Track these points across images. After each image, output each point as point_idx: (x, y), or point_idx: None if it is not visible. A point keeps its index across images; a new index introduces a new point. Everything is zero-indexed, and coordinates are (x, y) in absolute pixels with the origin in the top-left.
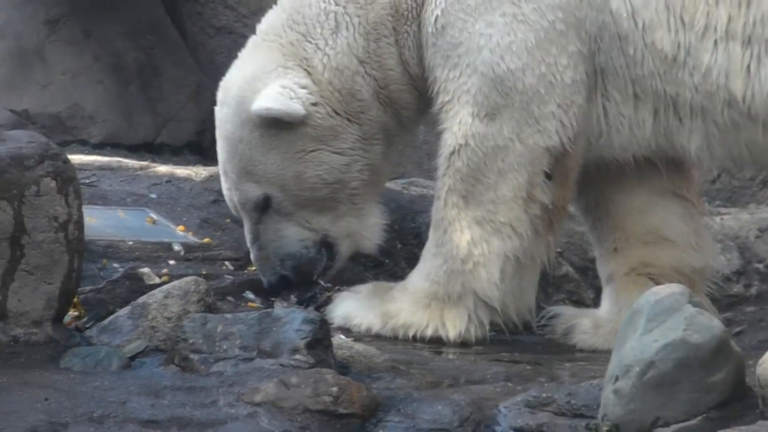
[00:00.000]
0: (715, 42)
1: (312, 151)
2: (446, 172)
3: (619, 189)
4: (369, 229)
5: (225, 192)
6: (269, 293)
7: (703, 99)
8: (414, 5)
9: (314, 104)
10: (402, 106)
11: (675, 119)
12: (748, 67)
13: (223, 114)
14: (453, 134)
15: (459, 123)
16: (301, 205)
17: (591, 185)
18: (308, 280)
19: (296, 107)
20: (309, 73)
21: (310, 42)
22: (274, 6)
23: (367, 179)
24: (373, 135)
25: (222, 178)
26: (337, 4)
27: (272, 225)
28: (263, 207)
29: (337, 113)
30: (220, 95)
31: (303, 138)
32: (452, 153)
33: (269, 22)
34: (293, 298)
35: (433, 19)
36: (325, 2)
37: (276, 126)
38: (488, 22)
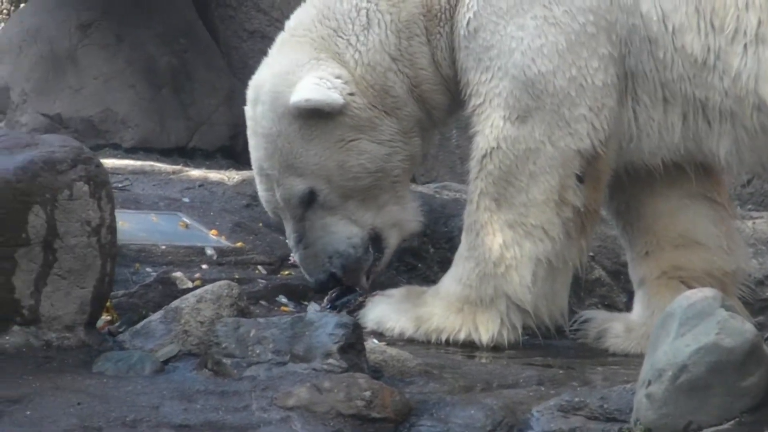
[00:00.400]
0: (745, 46)
1: (351, 140)
2: (478, 176)
3: (649, 193)
4: (412, 212)
5: (262, 193)
6: (318, 291)
7: (732, 103)
8: (447, 7)
9: (351, 94)
10: (433, 106)
11: (704, 123)
12: None
13: (257, 112)
14: (485, 137)
15: (491, 126)
16: (347, 196)
17: (622, 189)
18: (356, 278)
19: (335, 96)
20: (342, 66)
21: (341, 37)
22: (301, 5)
23: (408, 167)
24: (411, 129)
25: (258, 179)
26: (368, 1)
27: (318, 220)
28: (309, 201)
29: (374, 106)
30: (251, 94)
31: (342, 127)
32: (484, 156)
33: (298, 18)
34: (326, 302)
35: (465, 22)
36: None
37: (314, 117)
38: (519, 25)
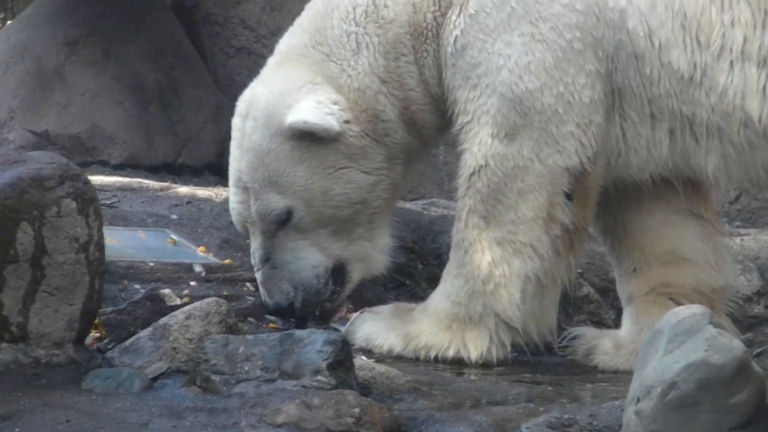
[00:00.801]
0: (731, 63)
1: (342, 168)
2: (466, 193)
3: (636, 209)
4: (380, 250)
5: (234, 205)
6: (273, 315)
7: (719, 119)
8: (433, 24)
9: (347, 122)
10: (423, 126)
11: (691, 139)
12: (764, 88)
13: (246, 126)
14: (473, 155)
15: (479, 144)
16: (322, 224)
17: (608, 206)
18: (312, 310)
19: (332, 122)
20: (338, 92)
21: (334, 62)
22: (292, 27)
23: (388, 198)
24: (397, 155)
25: (233, 191)
26: (357, 25)
27: (288, 242)
28: (284, 220)
29: (366, 134)
30: (242, 107)
31: (334, 154)
32: (472, 174)
33: (290, 42)
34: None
35: (452, 40)
36: (346, 23)
37: (308, 139)
38: (507, 42)
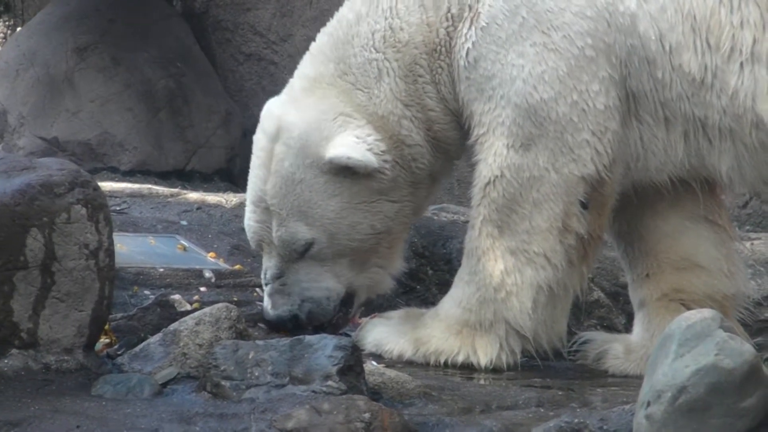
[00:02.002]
0: (741, 64)
1: (373, 202)
2: (481, 202)
3: (651, 215)
4: (388, 278)
5: (251, 223)
6: (273, 327)
7: (731, 121)
8: (446, 40)
9: (382, 153)
10: (448, 144)
11: (705, 141)
12: None
13: (278, 150)
14: (488, 166)
15: (494, 154)
16: (342, 255)
17: (623, 211)
18: (316, 327)
19: (372, 159)
20: (369, 123)
21: (360, 91)
22: (311, 53)
23: (408, 221)
24: (422, 180)
25: (252, 209)
26: (377, 51)
27: (306, 267)
28: (305, 250)
29: (396, 162)
30: (271, 128)
31: (367, 190)
32: (487, 184)
33: (317, 69)
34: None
35: (464, 53)
36: (367, 51)
37: (342, 174)
38: (519, 52)
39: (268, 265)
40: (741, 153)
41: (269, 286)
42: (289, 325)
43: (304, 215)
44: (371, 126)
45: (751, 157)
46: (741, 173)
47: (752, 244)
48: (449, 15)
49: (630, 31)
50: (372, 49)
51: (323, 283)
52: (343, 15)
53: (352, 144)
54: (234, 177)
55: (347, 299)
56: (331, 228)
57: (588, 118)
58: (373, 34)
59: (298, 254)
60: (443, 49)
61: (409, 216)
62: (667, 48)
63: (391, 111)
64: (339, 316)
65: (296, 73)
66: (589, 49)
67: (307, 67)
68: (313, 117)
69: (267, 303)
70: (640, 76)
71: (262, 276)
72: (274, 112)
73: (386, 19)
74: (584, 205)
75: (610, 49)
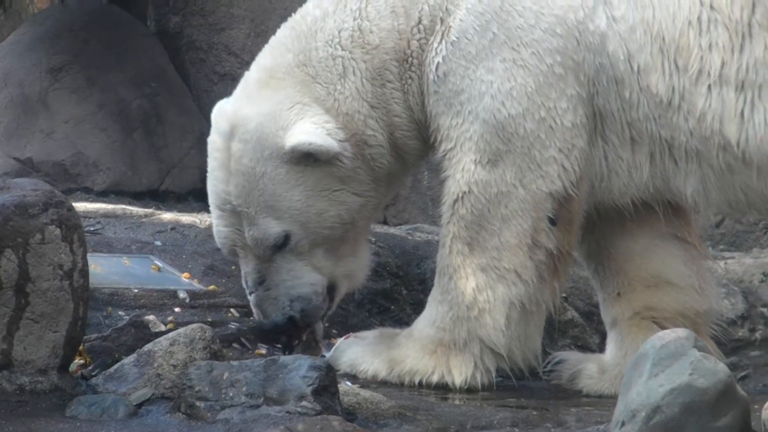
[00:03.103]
0: (709, 87)
1: (336, 190)
2: (450, 220)
3: (620, 233)
4: (363, 266)
5: (220, 229)
6: (273, 333)
7: (698, 143)
8: (418, 52)
9: (342, 141)
10: (406, 152)
11: (671, 163)
12: (742, 112)
13: (234, 148)
14: (456, 182)
15: (462, 170)
16: (317, 244)
17: (592, 230)
18: (312, 325)
19: (333, 143)
20: (327, 113)
21: (320, 84)
22: (270, 45)
23: (370, 216)
24: (381, 178)
25: (218, 214)
26: (343, 49)
27: (285, 264)
28: (282, 244)
29: (356, 155)
30: (224, 126)
31: (329, 177)
32: (456, 200)
33: (275, 60)
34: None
35: (434, 67)
36: (331, 47)
37: (303, 162)
38: (489, 68)
39: (247, 270)
40: (707, 175)
41: (254, 295)
42: (288, 329)
43: (272, 209)
44: (329, 115)
45: (717, 179)
46: (706, 196)
47: (726, 263)
48: (420, 26)
49: (599, 50)
50: (338, 46)
51: (306, 278)
52: (307, 10)
53: (312, 130)
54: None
55: (330, 290)
56: (301, 218)
57: (555, 135)
58: (339, 32)
59: (273, 250)
60: (414, 60)
61: (371, 212)
62: (636, 68)
63: (357, 110)
64: (328, 308)
65: (252, 65)
66: (558, 67)
67: (264, 58)
68: (268, 108)
69: (257, 314)
70: (607, 95)
71: (244, 284)
72: (226, 109)
73: (355, 19)
74: (552, 221)
75: (578, 67)
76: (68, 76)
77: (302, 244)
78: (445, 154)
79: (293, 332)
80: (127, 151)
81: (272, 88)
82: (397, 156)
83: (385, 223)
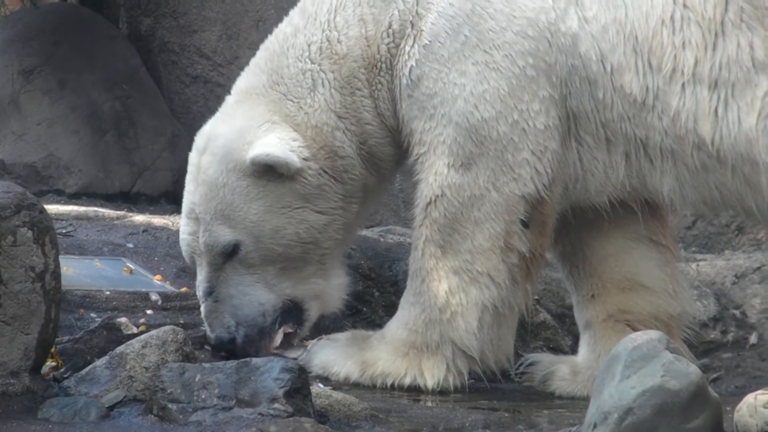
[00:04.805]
0: (683, 85)
1: (297, 208)
2: (423, 223)
3: (595, 235)
4: (335, 288)
5: (184, 236)
6: (215, 348)
7: (672, 142)
8: (387, 56)
9: (306, 159)
10: (381, 159)
11: (647, 162)
12: (716, 110)
13: (203, 161)
14: (429, 185)
15: (435, 174)
16: (270, 261)
17: (567, 232)
18: (255, 348)
19: (294, 158)
20: (296, 130)
21: (291, 101)
22: (248, 67)
23: (340, 239)
24: (354, 193)
25: (184, 222)
26: (312, 62)
27: (235, 276)
28: (230, 253)
29: (324, 171)
30: (201, 143)
31: (291, 194)
32: (429, 204)
33: (249, 82)
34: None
35: (407, 71)
36: (301, 61)
37: (265, 177)
38: (461, 71)
39: (200, 279)
40: (682, 174)
41: (203, 306)
42: (230, 348)
43: (227, 218)
44: (297, 133)
45: (692, 178)
46: (682, 194)
47: (698, 265)
48: (390, 31)
49: (571, 52)
50: (307, 60)
51: (255, 297)
52: (280, 29)
53: (274, 143)
54: (180, 199)
55: (295, 312)
56: (255, 231)
57: (528, 138)
58: (309, 46)
59: (223, 258)
60: (383, 65)
61: (340, 232)
62: (609, 69)
63: (325, 122)
64: (296, 329)
65: (232, 89)
66: (530, 69)
67: (241, 80)
68: (239, 125)
69: (206, 325)
70: (581, 97)
71: (197, 293)
72: (204, 129)
73: (323, 31)
74: (525, 224)
75: (550, 68)
76: (40, 78)
77: (253, 257)
78: (418, 158)
79: (236, 351)
80: (99, 153)
81: (247, 107)
82: (371, 167)
83: None
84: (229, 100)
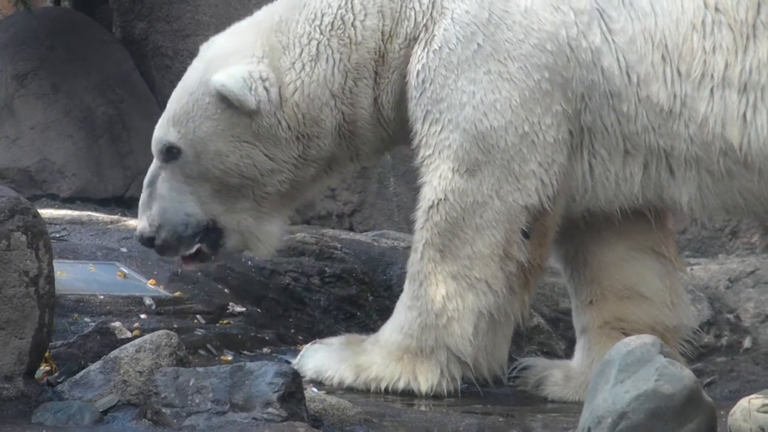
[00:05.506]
0: (712, 90)
1: (246, 142)
2: (424, 226)
3: (598, 241)
4: (264, 235)
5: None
6: (138, 241)
7: (698, 149)
8: (401, 55)
9: (269, 107)
10: (363, 142)
11: (666, 172)
12: (744, 115)
13: (193, 66)
14: (433, 188)
15: (439, 177)
16: (206, 179)
17: (571, 236)
18: (170, 254)
19: (249, 100)
20: (278, 81)
21: (286, 56)
22: (272, 3)
23: (284, 192)
24: (315, 159)
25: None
26: (321, 33)
27: (172, 180)
28: (170, 156)
29: (290, 128)
30: (201, 49)
31: (244, 128)
32: (431, 207)
33: (264, 18)
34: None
35: (415, 73)
36: (311, 26)
37: (225, 102)
38: (471, 79)
39: (150, 169)
40: (705, 182)
41: (143, 194)
42: (147, 245)
43: (179, 123)
44: (275, 82)
45: (715, 185)
46: (703, 202)
47: (691, 269)
48: (406, 32)
49: (591, 66)
50: (317, 28)
51: (183, 207)
52: None
53: (238, 77)
54: None
55: (213, 233)
56: (198, 147)
57: (537, 150)
58: (322, 15)
59: (163, 156)
60: (395, 63)
61: (285, 185)
62: (635, 80)
63: (318, 96)
64: (209, 252)
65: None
66: (545, 82)
67: (261, 12)
68: (231, 46)
69: (139, 213)
70: (599, 111)
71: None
72: (214, 36)
73: (339, 8)
74: (526, 234)
75: (567, 83)
76: (34, 83)
77: (191, 169)
78: (423, 161)
79: (155, 249)
80: (93, 157)
81: (247, 34)
82: (348, 144)
83: (351, 229)
84: (242, 23)
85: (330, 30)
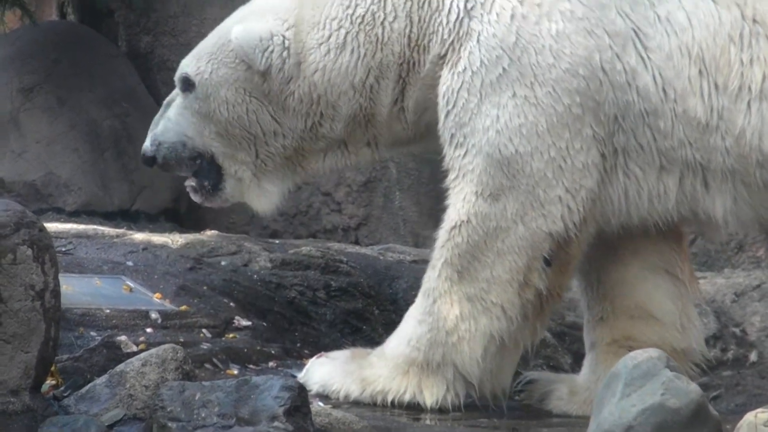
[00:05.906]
0: (749, 103)
1: (255, 98)
2: (445, 245)
3: (613, 259)
4: (263, 191)
5: None
6: (142, 160)
7: (734, 162)
8: (432, 72)
9: (281, 75)
10: (380, 134)
11: (701, 186)
12: None
13: (236, 11)
14: (456, 210)
15: (463, 200)
16: (211, 120)
17: (588, 252)
18: (170, 170)
19: (258, 59)
20: (299, 55)
21: (313, 33)
22: None
23: (285, 155)
24: (324, 136)
25: None
26: (351, 23)
27: (182, 104)
28: (184, 86)
29: (302, 102)
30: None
31: (256, 85)
32: (453, 227)
33: None
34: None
35: (441, 95)
36: (343, 12)
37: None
38: (495, 103)
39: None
40: (741, 194)
41: (159, 112)
42: (149, 163)
43: (201, 60)
44: (296, 53)
45: (751, 197)
46: (738, 215)
47: (698, 283)
48: (436, 49)
49: (626, 88)
50: (348, 18)
51: (185, 128)
52: None
53: (255, 34)
54: (180, 217)
55: (213, 170)
56: (209, 89)
57: (564, 175)
58: (355, 5)
59: (180, 84)
60: (424, 76)
61: (289, 150)
62: (672, 95)
63: (337, 84)
64: (208, 189)
65: None
66: (576, 107)
67: None
68: (270, 5)
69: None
70: (634, 130)
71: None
72: None
73: (373, 2)
74: (548, 262)
75: (599, 107)
76: (39, 96)
77: (200, 106)
78: (449, 183)
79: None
80: (99, 171)
81: (289, 6)
82: (363, 131)
83: (356, 243)
84: None
85: (360, 23)
